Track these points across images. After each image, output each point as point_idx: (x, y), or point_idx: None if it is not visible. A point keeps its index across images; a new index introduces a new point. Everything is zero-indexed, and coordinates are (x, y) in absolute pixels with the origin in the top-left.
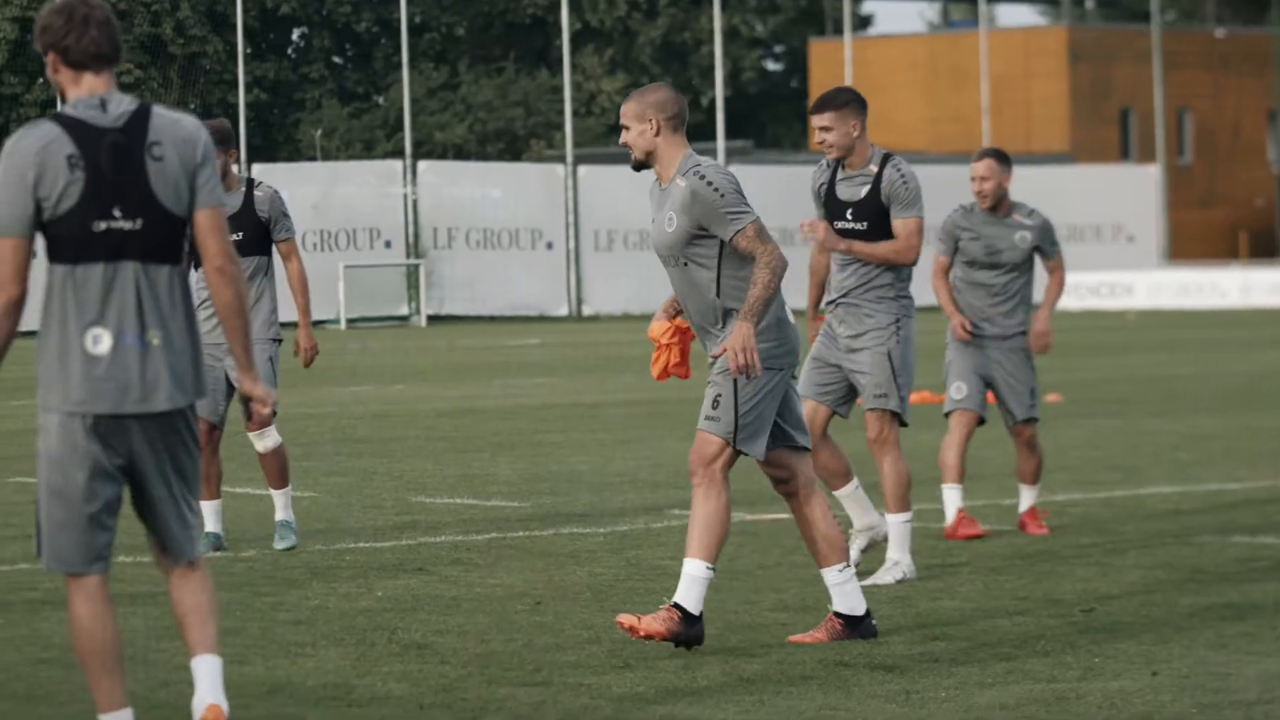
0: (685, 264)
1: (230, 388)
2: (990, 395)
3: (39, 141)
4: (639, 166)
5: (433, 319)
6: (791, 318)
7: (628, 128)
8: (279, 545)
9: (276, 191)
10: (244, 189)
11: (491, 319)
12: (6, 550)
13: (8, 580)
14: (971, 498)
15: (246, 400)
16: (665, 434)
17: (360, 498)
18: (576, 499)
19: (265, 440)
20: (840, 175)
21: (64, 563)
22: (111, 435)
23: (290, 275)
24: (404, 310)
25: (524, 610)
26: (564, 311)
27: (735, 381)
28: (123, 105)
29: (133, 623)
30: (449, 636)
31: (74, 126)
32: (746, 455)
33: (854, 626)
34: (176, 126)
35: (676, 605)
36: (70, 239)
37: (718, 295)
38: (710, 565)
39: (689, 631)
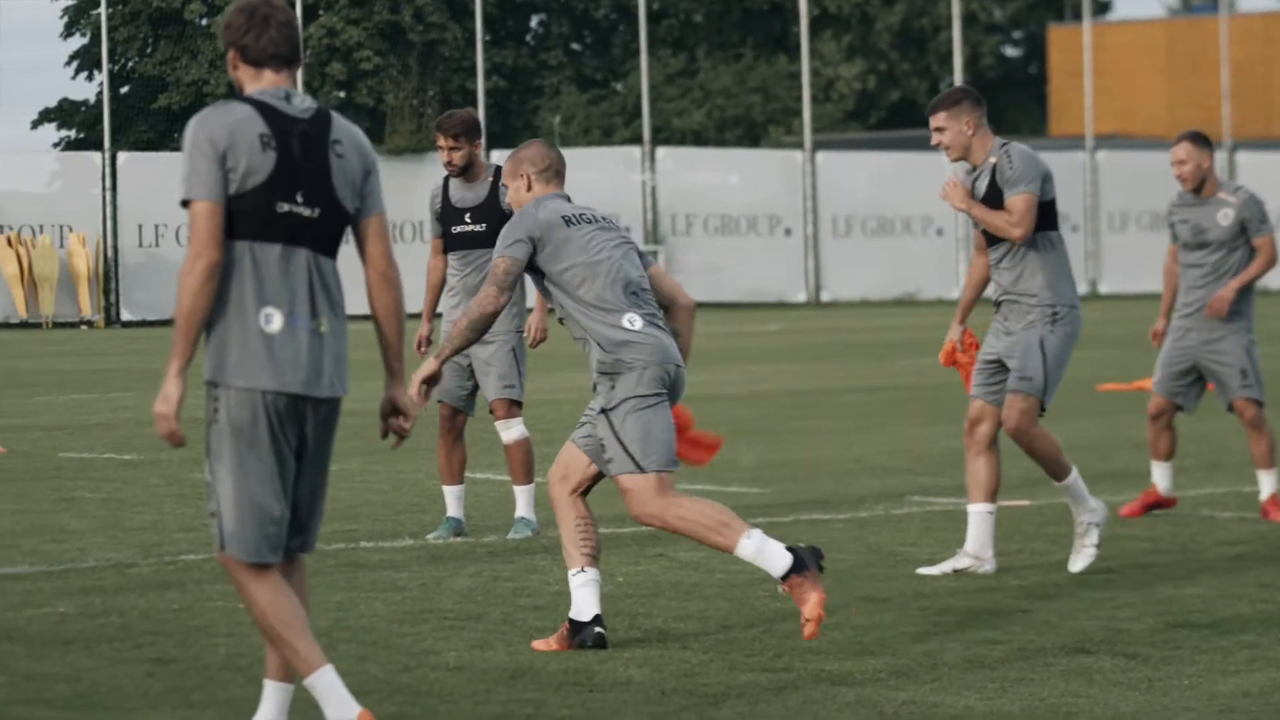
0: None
1: (472, 374)
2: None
3: (230, 116)
4: None
5: None
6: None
7: (505, 186)
8: (513, 536)
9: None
10: (490, 179)
11: (730, 305)
12: None
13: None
14: (1214, 485)
15: (388, 413)
16: (905, 421)
17: (601, 484)
18: (817, 485)
19: (510, 431)
20: (971, 173)
21: (247, 549)
22: (276, 413)
23: None
24: None
25: (764, 596)
26: (802, 298)
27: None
28: (306, 101)
29: (374, 607)
30: (690, 622)
31: (265, 109)
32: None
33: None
34: (353, 132)
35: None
36: (252, 216)
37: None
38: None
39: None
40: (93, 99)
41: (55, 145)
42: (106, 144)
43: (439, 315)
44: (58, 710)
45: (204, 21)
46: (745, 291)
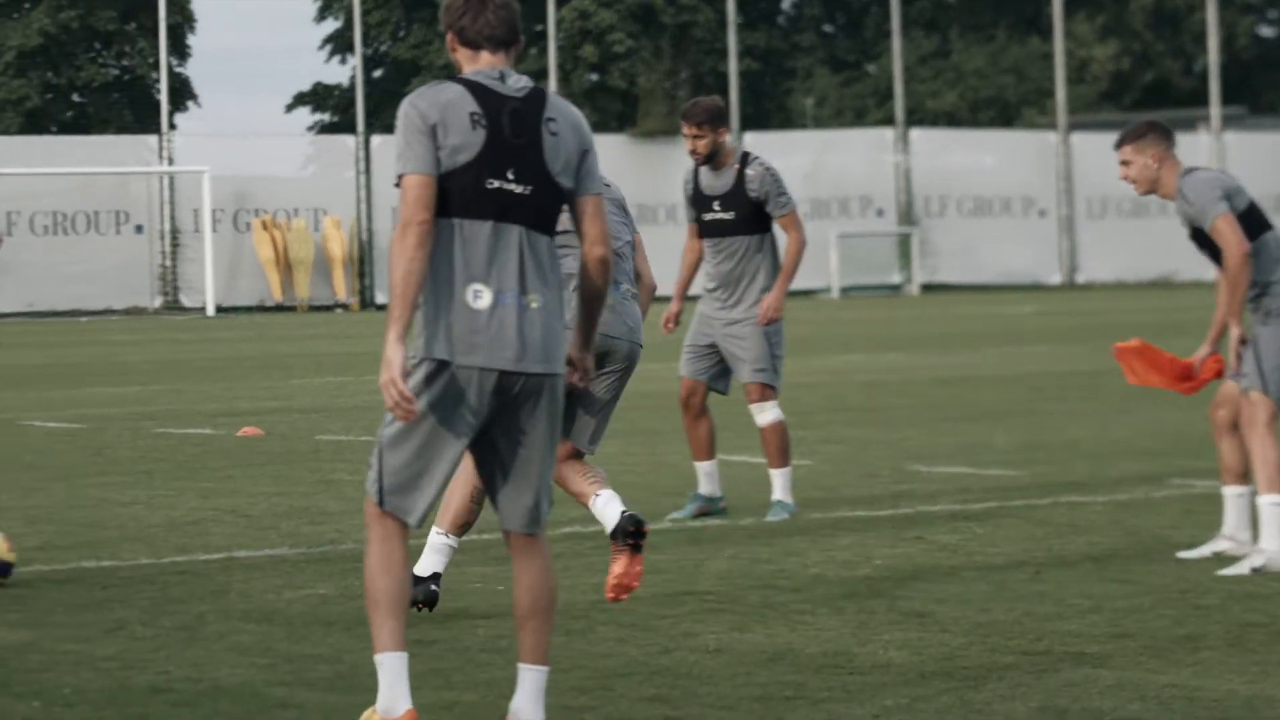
0: None
1: (717, 353)
2: None
3: (442, 95)
4: None
5: (926, 287)
6: None
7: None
8: (770, 519)
9: (769, 168)
10: (736, 166)
11: (984, 287)
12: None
13: None
14: None
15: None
16: (1165, 403)
17: (856, 466)
18: (1074, 468)
19: (764, 415)
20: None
21: (398, 507)
22: (478, 390)
23: (788, 245)
24: (896, 279)
25: (1023, 579)
26: (1057, 280)
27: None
28: (521, 81)
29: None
30: (948, 605)
31: (476, 88)
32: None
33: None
34: (569, 111)
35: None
36: (462, 193)
37: None
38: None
39: None
40: (346, 83)
41: (309, 129)
42: (360, 128)
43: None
44: (319, 692)
45: None
46: (999, 273)
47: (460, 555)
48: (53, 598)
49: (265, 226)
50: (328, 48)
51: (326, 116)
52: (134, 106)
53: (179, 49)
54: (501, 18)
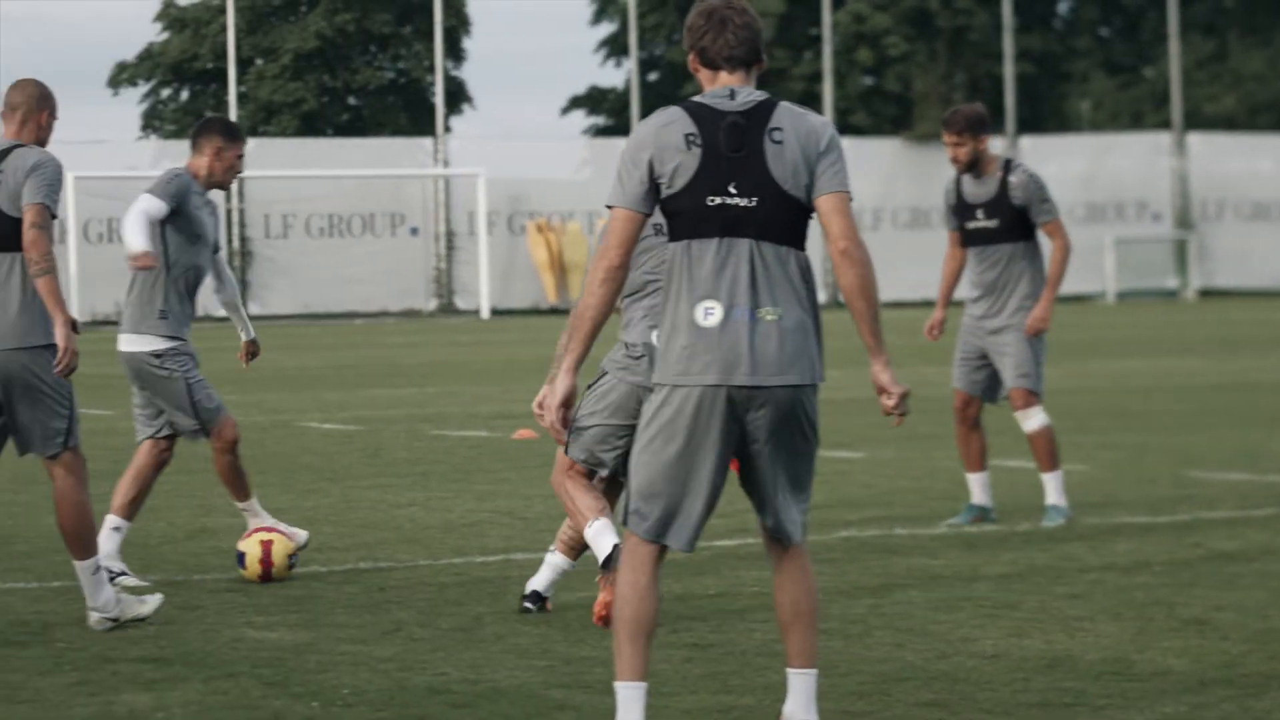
0: None
1: (987, 362)
2: None
3: (660, 123)
4: None
5: (1203, 292)
6: None
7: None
8: (1045, 524)
9: (1033, 175)
10: (999, 173)
11: (1262, 292)
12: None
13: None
14: None
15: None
16: None
17: (1134, 471)
18: None
19: (1030, 421)
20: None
21: (645, 529)
22: (718, 407)
23: (1053, 253)
24: (1172, 283)
25: None
26: None
27: None
28: (751, 95)
29: (910, 594)
30: (1228, 612)
31: (696, 109)
32: None
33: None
34: (801, 118)
35: None
36: (686, 214)
37: None
38: None
39: None
40: (621, 86)
41: (584, 132)
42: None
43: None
44: (597, 694)
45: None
46: (1277, 278)
47: (736, 559)
48: (331, 599)
49: (540, 229)
50: (603, 51)
51: (601, 119)
52: (409, 109)
53: (455, 52)
54: (742, 37)
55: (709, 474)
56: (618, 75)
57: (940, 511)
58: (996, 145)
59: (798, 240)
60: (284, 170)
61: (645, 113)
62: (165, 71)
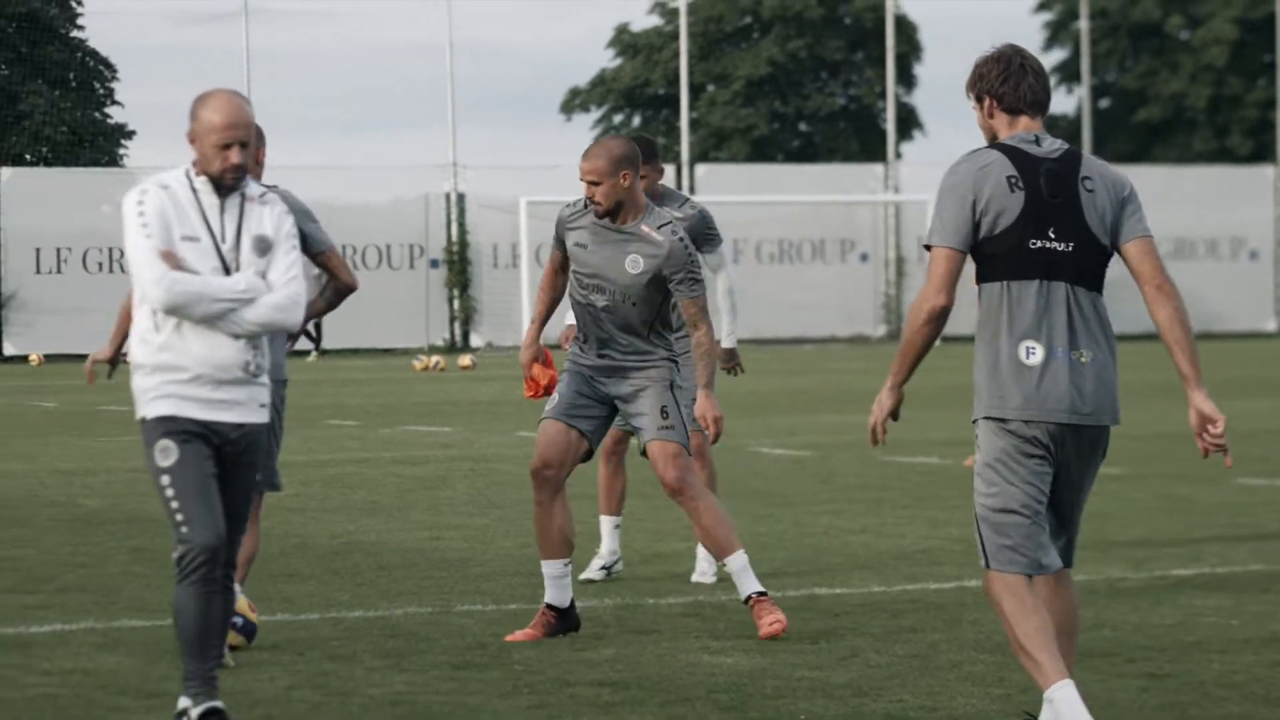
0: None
1: None
2: None
3: (979, 164)
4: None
5: None
6: None
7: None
8: None
9: None
10: None
11: None
12: (1236, 551)
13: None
14: None
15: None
16: None
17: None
18: None
19: None
20: None
21: (1007, 562)
22: (1039, 442)
23: None
24: None
25: None
26: None
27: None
28: (1055, 143)
29: None
30: None
31: (1013, 153)
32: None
33: (563, 619)
34: (1104, 169)
35: None
36: (1006, 256)
37: None
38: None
39: None
40: (1072, 113)
41: None
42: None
43: None
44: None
45: (1184, 35)
46: None
47: (1190, 589)
48: (789, 623)
49: None
50: (1054, 77)
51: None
52: (860, 135)
53: (906, 78)
54: (1042, 83)
55: (1032, 500)
56: (1069, 102)
57: None
58: None
59: (1100, 284)
60: (735, 196)
61: (1098, 140)
62: (617, 97)
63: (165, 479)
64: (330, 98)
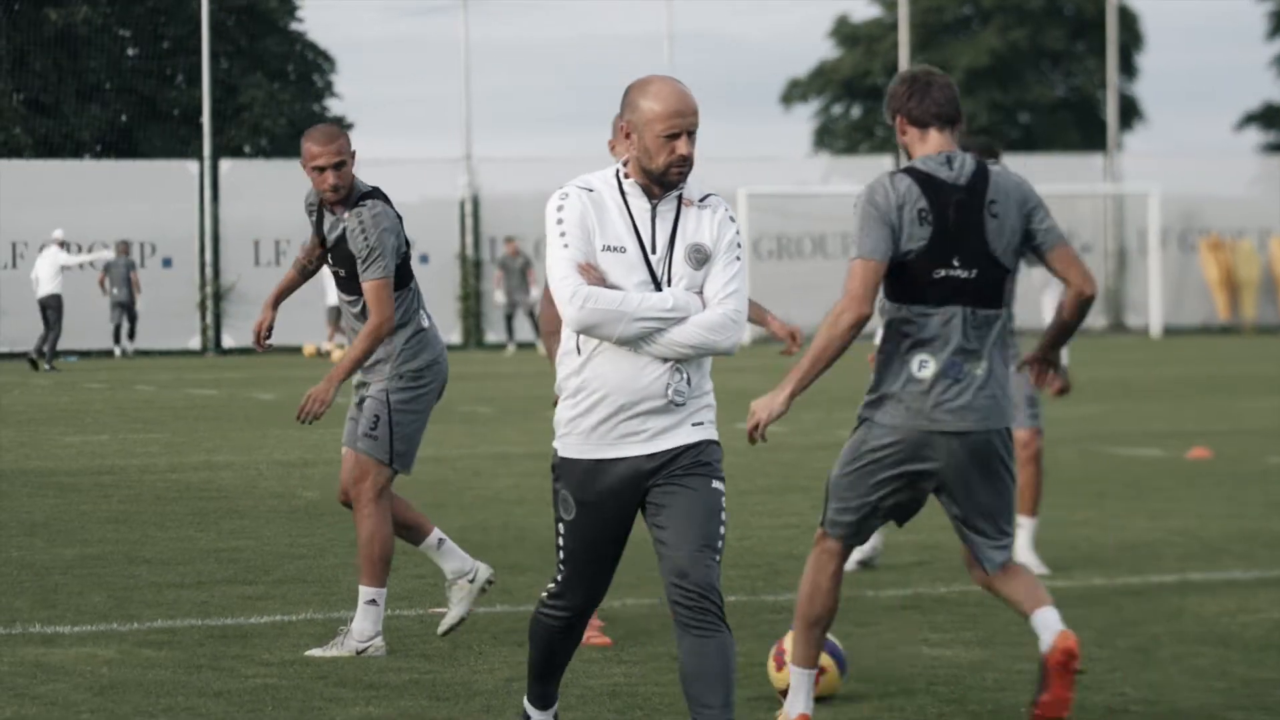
0: None
1: None
2: None
3: (898, 195)
4: None
5: None
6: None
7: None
8: None
9: None
10: None
11: None
12: None
13: None
14: None
15: None
16: None
17: None
18: None
19: None
20: None
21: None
22: (932, 449)
23: None
24: None
25: None
26: None
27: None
28: (966, 164)
29: None
30: None
31: (925, 182)
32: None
33: None
34: (1010, 186)
35: None
36: (911, 280)
37: None
38: None
39: None
40: None
41: (1256, 149)
42: None
43: None
44: (1277, 716)
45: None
46: None
47: (1263, 588)
48: (1006, 615)
49: (1212, 247)
50: (1277, 66)
51: (1274, 136)
52: (1081, 126)
53: (1127, 68)
54: (947, 96)
55: (896, 502)
56: None
57: None
58: None
59: (999, 304)
60: None
61: None
62: (837, 87)
63: (560, 527)
64: (550, 89)
